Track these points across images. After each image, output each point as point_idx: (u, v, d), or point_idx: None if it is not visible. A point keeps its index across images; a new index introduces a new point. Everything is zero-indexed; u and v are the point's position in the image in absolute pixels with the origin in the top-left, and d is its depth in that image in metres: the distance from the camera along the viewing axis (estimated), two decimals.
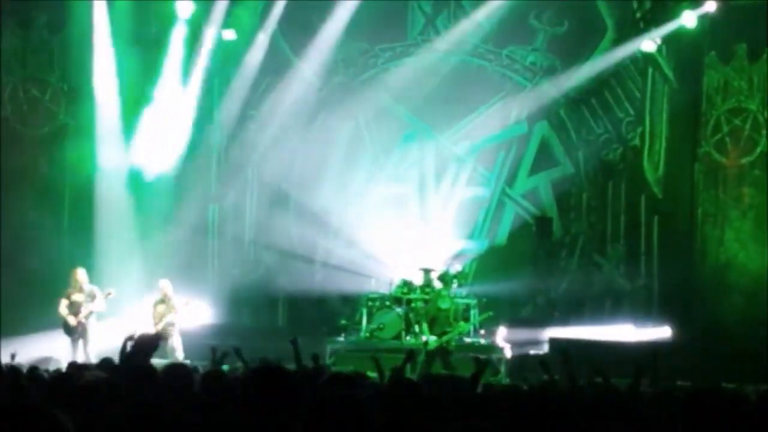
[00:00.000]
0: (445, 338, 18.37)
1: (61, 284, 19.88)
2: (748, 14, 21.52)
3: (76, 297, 19.32)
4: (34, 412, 3.49)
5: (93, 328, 19.32)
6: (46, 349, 19.44)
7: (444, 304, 18.99)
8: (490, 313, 20.05)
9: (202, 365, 12.74)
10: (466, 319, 19.90)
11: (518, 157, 23.37)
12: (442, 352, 18.47)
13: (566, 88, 23.17)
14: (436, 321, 18.69)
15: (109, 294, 19.33)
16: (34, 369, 11.92)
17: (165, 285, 19.55)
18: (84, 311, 19.20)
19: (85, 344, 19.16)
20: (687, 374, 15.24)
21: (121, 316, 20.25)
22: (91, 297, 19.30)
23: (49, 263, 21.47)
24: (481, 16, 23.19)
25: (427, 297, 19.92)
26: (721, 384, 9.32)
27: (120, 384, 7.76)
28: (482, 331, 20.62)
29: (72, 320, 19.18)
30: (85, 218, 22.37)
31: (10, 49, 22.98)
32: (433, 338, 18.33)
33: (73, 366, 13.12)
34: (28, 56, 23.18)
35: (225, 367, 11.03)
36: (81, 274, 19.50)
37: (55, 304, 19.44)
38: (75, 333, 19.24)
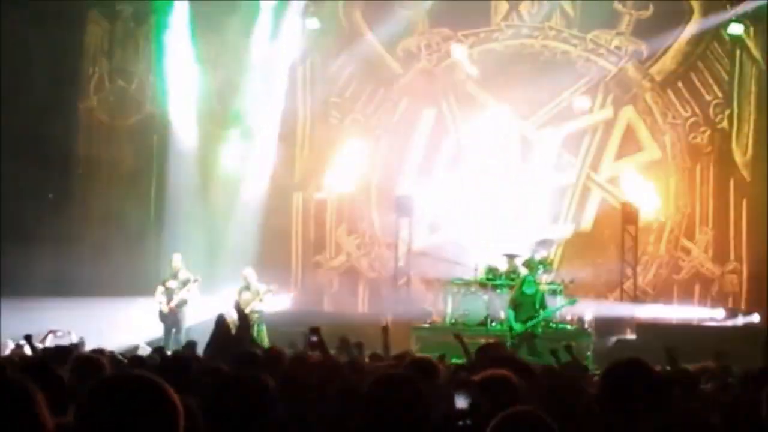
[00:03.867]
0: (530, 323, 18.21)
1: (147, 272, 20.07)
2: None
3: (171, 284, 19.52)
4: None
5: (185, 315, 19.48)
6: (135, 338, 19.65)
7: (529, 290, 18.80)
8: (576, 300, 19.84)
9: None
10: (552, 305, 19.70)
11: (604, 141, 23.11)
12: (528, 338, 18.32)
13: (652, 72, 22.92)
14: (521, 307, 18.49)
15: (196, 281, 19.50)
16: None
17: (249, 273, 19.61)
18: (176, 298, 19.39)
19: (177, 331, 19.31)
20: None
21: (208, 304, 20.40)
22: (185, 284, 19.48)
23: (136, 252, 21.67)
24: (565, 0, 23.06)
25: (512, 283, 19.77)
26: None
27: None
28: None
29: (164, 307, 19.39)
30: (171, 207, 22.51)
31: (96, 41, 23.22)
32: (518, 324, 18.18)
33: (158, 351, 13.23)
34: (114, 47, 23.41)
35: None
36: (176, 260, 19.70)
37: (144, 292, 19.66)
38: (168, 320, 19.45)
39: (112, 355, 10.54)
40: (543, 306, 18.44)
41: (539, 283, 19.54)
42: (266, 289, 19.33)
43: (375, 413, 4.92)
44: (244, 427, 4.98)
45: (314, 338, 9.53)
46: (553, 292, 20.04)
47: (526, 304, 18.45)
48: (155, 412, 3.39)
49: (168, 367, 7.97)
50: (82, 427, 3.39)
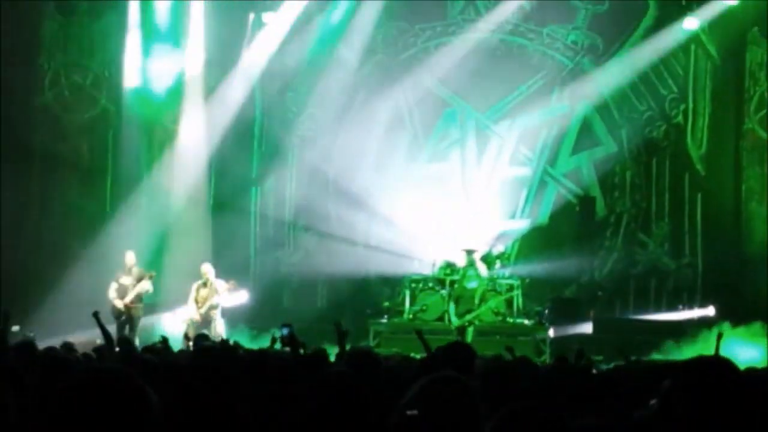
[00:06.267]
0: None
1: (103, 269, 19.98)
2: None
3: (124, 280, 19.42)
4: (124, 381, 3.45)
5: (139, 312, 19.40)
6: (91, 333, 19.58)
7: (471, 284, 18.94)
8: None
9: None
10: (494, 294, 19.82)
11: (560, 136, 23.19)
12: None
13: (608, 66, 23.02)
14: (461, 300, 18.63)
15: (151, 276, 19.40)
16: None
17: (207, 268, 19.56)
18: (131, 295, 19.28)
19: (132, 328, 19.23)
20: None
21: (165, 300, 20.39)
22: (138, 280, 19.38)
23: (93, 248, 21.58)
24: None
25: (457, 277, 19.93)
26: None
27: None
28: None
29: (119, 303, 19.28)
30: (127, 203, 22.43)
31: (52, 36, 23.06)
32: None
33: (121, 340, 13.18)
34: (69, 43, 23.23)
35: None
36: (129, 257, 19.58)
37: (98, 288, 19.55)
38: (122, 316, 19.34)
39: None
40: (483, 300, 18.55)
41: (481, 277, 19.69)
42: (225, 285, 19.29)
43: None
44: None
45: (285, 331, 9.48)
46: (494, 286, 20.20)
47: (466, 297, 18.61)
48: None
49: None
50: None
